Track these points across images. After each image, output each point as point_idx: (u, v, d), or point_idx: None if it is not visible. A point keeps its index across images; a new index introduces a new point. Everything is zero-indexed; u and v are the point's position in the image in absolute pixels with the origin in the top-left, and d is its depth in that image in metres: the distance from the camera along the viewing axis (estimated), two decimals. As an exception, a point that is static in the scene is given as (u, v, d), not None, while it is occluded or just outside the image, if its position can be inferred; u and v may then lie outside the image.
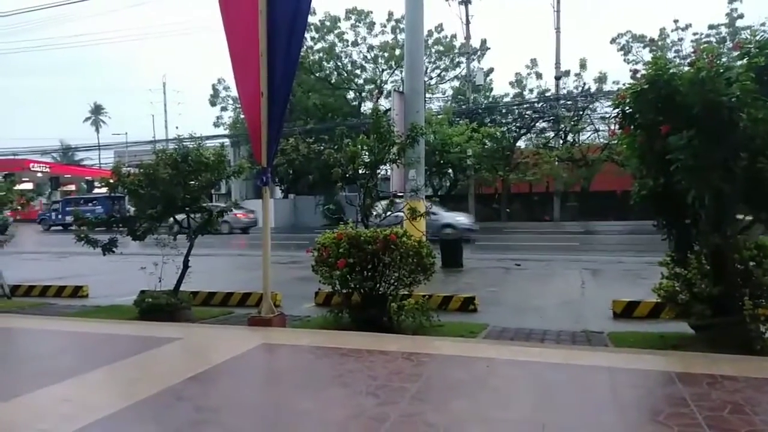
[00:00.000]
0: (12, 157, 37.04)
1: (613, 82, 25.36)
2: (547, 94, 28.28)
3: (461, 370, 3.72)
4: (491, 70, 31.29)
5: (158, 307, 5.76)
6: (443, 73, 31.68)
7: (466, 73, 30.30)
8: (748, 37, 4.65)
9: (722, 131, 4.06)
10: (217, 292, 7.30)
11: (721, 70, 4.12)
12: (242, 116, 31.34)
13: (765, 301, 4.44)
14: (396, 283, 5.28)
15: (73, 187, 41.10)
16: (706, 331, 4.47)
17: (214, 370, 3.90)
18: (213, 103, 32.53)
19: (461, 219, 17.11)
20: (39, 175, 36.87)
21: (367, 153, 7.48)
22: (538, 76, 28.50)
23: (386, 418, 2.86)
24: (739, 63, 4.30)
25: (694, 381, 3.41)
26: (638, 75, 4.45)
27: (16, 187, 8.95)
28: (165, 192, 6.23)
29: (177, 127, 41.42)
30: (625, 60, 24.95)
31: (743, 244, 4.45)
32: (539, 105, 27.95)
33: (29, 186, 31.12)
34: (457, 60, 30.99)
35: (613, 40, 25.27)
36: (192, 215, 6.55)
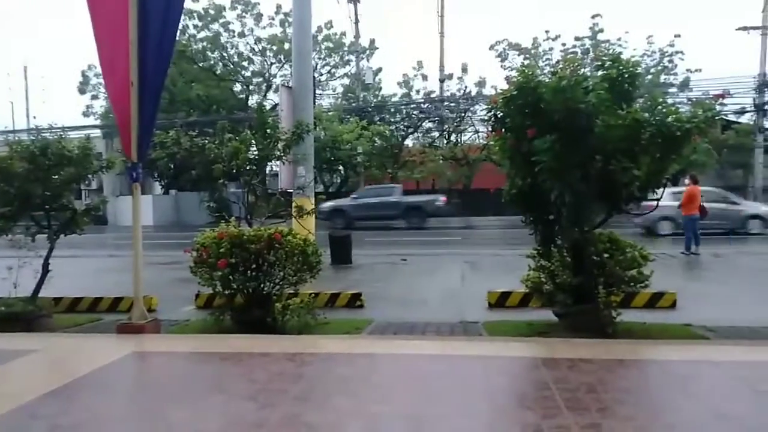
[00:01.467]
0: None
1: (491, 87, 26.99)
2: (432, 95, 29.36)
3: (344, 367, 3.75)
4: (380, 69, 31.85)
5: (13, 316, 5.18)
6: (333, 70, 31.71)
7: (356, 71, 30.56)
8: (604, 50, 5.18)
9: (580, 136, 4.47)
10: (84, 297, 6.70)
11: (580, 80, 4.54)
12: (116, 106, 29.01)
13: (616, 289, 4.99)
14: (281, 283, 5.19)
15: None
16: (568, 318, 4.91)
17: (76, 383, 3.56)
18: (83, 91, 29.76)
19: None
20: None
21: (253, 149, 7.26)
22: (424, 77, 29.51)
23: (265, 422, 2.79)
24: (598, 73, 4.76)
25: (556, 365, 3.73)
26: (511, 81, 4.77)
27: None
28: (20, 188, 5.62)
29: (35, 117, 37.46)
30: (501, 66, 26.58)
31: (598, 237, 4.95)
32: (425, 106, 28.94)
33: None
34: (346, 58, 31.14)
35: (491, 47, 26.80)
36: (53, 213, 5.95)
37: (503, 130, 4.80)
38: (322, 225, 11.15)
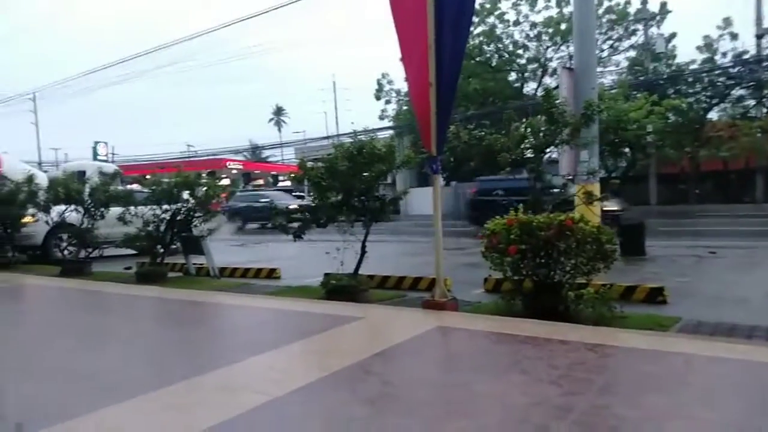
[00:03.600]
0: (212, 157, 42.96)
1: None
2: (746, 56, 24.36)
3: (653, 364, 3.44)
4: (673, 35, 27.91)
5: (341, 289, 6.25)
6: (616, 44, 29.13)
7: (644, 41, 27.48)
8: None
9: None
10: (391, 275, 7.68)
11: None
12: (404, 108, 32.34)
13: None
14: (572, 271, 5.04)
15: (261, 182, 46.47)
16: None
17: (396, 348, 4.12)
18: (378, 97, 34.00)
19: None
20: (234, 171, 42.33)
21: (532, 135, 7.22)
22: (733, 36, 24.68)
23: (572, 407, 2.76)
24: None
25: None
26: None
27: (219, 183, 10.39)
28: (343, 183, 6.72)
29: (352, 123, 44.70)
30: None
31: None
32: (735, 70, 24.22)
33: (227, 182, 35.90)
34: (632, 28, 28.23)
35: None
36: (367, 204, 6.96)
37: None
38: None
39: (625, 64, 29.36)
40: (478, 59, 29.97)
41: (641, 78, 26.44)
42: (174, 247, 9.26)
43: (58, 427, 2.77)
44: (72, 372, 3.90)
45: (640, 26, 27.93)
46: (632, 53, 28.78)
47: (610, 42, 28.90)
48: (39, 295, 7.66)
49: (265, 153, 58.83)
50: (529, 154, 7.36)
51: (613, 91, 23.61)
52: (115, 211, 9.39)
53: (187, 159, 42.93)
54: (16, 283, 8.92)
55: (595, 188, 8.13)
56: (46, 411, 3.04)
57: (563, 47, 28.46)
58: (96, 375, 3.78)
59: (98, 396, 3.27)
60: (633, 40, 28.54)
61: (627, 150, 25.02)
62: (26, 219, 11.10)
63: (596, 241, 4.91)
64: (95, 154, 44.87)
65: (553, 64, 28.49)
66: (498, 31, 29.57)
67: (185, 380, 3.46)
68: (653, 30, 27.94)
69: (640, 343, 3.92)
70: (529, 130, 7.23)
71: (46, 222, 10.56)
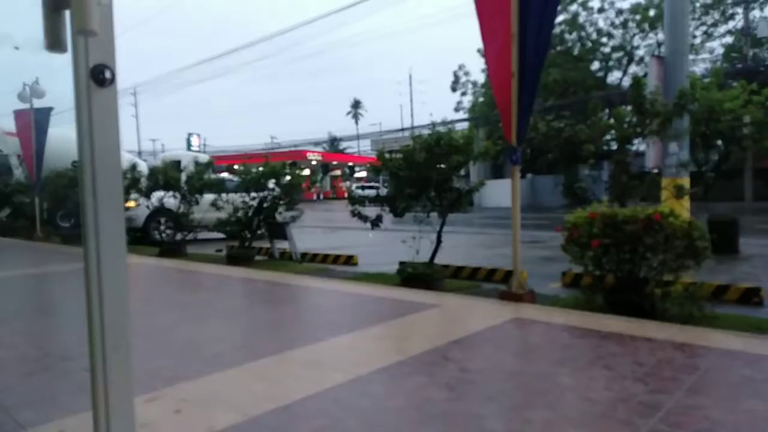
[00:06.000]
0: (294, 148, 44.52)
1: None
2: None
3: (750, 368, 3.28)
4: (780, 17, 25.63)
5: (417, 277, 6.36)
6: (710, 30, 27.18)
7: (743, 26, 25.45)
8: None
9: None
10: (465, 266, 7.70)
11: None
12: (480, 100, 31.84)
13: None
14: (659, 268, 4.85)
15: (338, 172, 47.69)
16: None
17: (473, 336, 4.17)
18: (454, 89, 33.77)
19: None
20: (313, 162, 43.68)
21: (617, 126, 6.96)
22: None
23: (660, 406, 2.71)
24: None
25: None
26: None
27: (302, 174, 10.81)
28: (421, 173, 6.80)
29: (431, 114, 44.99)
30: None
31: None
32: None
33: (307, 172, 37.08)
34: (730, 12, 26.23)
35: None
36: (443, 194, 7.01)
37: None
38: (700, 208, 9.81)
39: (719, 51, 27.39)
40: (558, 48, 28.96)
41: (739, 65, 24.54)
42: (260, 232, 9.76)
43: (169, 389, 3.07)
44: (177, 342, 4.26)
45: (739, 10, 25.90)
46: (729, 39, 26.77)
47: (704, 28, 27.01)
48: (142, 273, 8.33)
49: (343, 144, 60.18)
50: (613, 145, 7.12)
51: (706, 80, 22.07)
52: (208, 197, 10.06)
53: (270, 150, 44.82)
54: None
55: (686, 182, 7.74)
56: (157, 375, 3.36)
57: (651, 34, 26.94)
58: (198, 346, 4.12)
59: (201, 364, 3.58)
60: (730, 24, 26.55)
61: (719, 142, 23.35)
62: (129, 203, 12.08)
63: (686, 237, 4.71)
64: (189, 145, 47.68)
65: (640, 52, 27.10)
66: (581, 19, 28.43)
67: (276, 354, 3.71)
68: (755, 13, 25.84)
69: (734, 345, 3.74)
70: (613, 120, 6.98)
71: (147, 206, 11.48)
